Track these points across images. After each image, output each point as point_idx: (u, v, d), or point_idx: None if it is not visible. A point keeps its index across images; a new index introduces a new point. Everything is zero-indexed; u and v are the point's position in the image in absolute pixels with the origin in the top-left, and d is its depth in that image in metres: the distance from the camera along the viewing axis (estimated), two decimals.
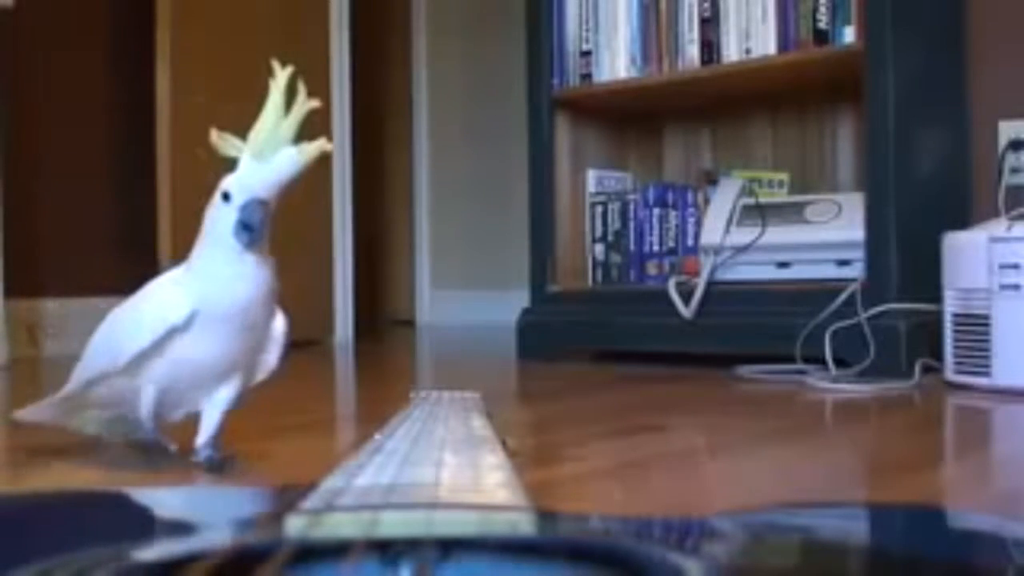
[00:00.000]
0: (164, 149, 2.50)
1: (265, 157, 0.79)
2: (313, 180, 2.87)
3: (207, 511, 0.46)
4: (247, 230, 0.80)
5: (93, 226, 2.59)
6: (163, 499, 0.51)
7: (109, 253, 2.61)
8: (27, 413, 0.96)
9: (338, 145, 2.94)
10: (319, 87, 2.97)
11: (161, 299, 0.85)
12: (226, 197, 0.81)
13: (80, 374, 0.91)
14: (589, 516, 0.44)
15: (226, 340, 0.83)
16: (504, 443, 0.47)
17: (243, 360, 0.86)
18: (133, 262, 2.62)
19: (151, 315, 0.84)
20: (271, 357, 0.89)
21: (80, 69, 2.57)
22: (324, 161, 3.02)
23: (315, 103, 0.81)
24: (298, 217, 2.75)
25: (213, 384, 0.86)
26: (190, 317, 0.82)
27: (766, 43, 1.81)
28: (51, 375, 2.07)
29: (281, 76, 0.81)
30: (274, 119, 0.80)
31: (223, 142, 0.81)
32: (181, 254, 2.96)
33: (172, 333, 0.82)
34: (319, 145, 0.80)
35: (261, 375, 0.90)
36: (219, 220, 0.81)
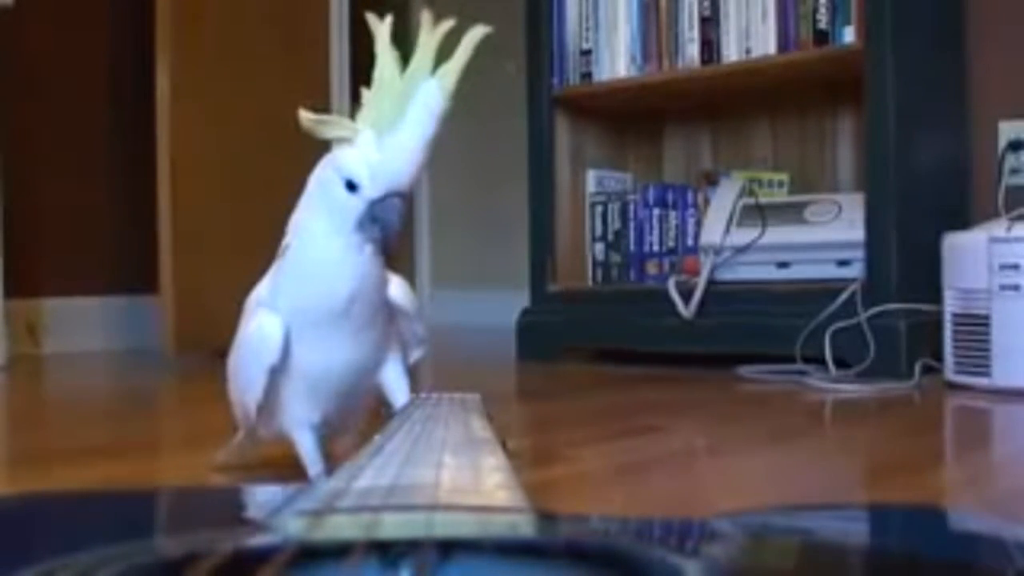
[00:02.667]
0: (164, 148, 2.50)
1: (393, 126, 0.64)
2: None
3: (212, 511, 0.46)
4: (380, 229, 0.66)
5: (93, 225, 2.59)
6: (169, 499, 0.51)
7: (109, 252, 2.61)
8: (222, 456, 0.88)
9: None
10: (319, 86, 2.99)
11: (252, 337, 0.73)
12: (352, 187, 0.66)
13: (237, 419, 0.83)
14: (589, 517, 0.44)
15: (340, 337, 0.72)
16: (504, 444, 0.47)
17: (378, 346, 0.75)
18: (133, 261, 2.62)
19: (249, 362, 0.74)
20: (415, 327, 0.78)
21: (80, 69, 2.57)
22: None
23: (485, 30, 0.65)
24: None
25: (364, 382, 0.76)
26: (286, 340, 0.71)
27: (766, 43, 1.81)
28: (51, 374, 2.07)
29: (381, 28, 0.66)
30: (391, 74, 0.65)
31: (322, 125, 0.67)
32: (181, 253, 2.96)
33: (276, 371, 0.72)
34: (471, 38, 0.65)
35: (416, 351, 0.80)
36: (337, 204, 0.67)
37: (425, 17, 0.66)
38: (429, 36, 0.66)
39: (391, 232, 0.67)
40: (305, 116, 0.67)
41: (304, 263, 0.71)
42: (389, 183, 0.66)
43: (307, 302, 0.71)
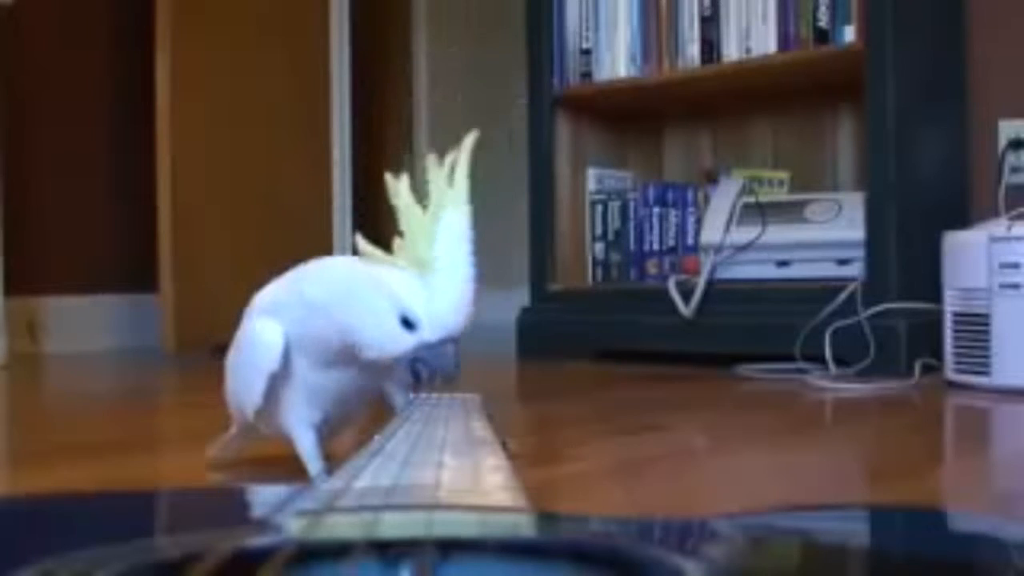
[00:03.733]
0: (164, 147, 2.50)
1: (430, 262, 0.65)
2: (313, 179, 2.87)
3: (211, 511, 0.46)
4: (429, 373, 0.66)
5: (93, 224, 2.59)
6: (169, 499, 0.51)
7: (109, 251, 2.61)
8: (214, 450, 0.88)
9: (338, 143, 2.93)
10: (319, 87, 2.99)
11: (253, 343, 0.74)
12: (408, 324, 0.65)
13: (233, 416, 0.83)
14: (589, 517, 0.44)
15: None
16: (504, 445, 0.47)
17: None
18: (133, 260, 2.62)
19: (249, 367, 0.74)
20: None
21: (80, 68, 2.57)
22: (324, 159, 3.02)
23: (475, 134, 0.68)
24: (298, 216, 2.74)
25: (367, 384, 0.76)
26: (286, 351, 0.72)
27: (766, 42, 1.81)
28: (51, 373, 2.07)
29: (400, 185, 0.68)
30: (417, 219, 0.66)
31: (379, 256, 0.68)
32: (181, 252, 2.95)
33: (275, 377, 0.73)
34: (466, 147, 0.67)
35: None
36: (384, 334, 0.66)
37: (431, 160, 0.67)
38: (438, 173, 0.67)
39: (445, 376, 0.66)
40: (362, 244, 0.68)
41: (316, 328, 0.71)
42: (446, 327, 0.66)
43: (308, 346, 0.73)
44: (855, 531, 0.46)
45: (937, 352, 1.54)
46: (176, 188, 2.49)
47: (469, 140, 0.68)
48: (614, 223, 2.09)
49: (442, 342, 0.66)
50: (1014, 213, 1.47)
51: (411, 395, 0.71)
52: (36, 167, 2.46)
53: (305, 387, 0.74)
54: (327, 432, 0.79)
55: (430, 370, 0.66)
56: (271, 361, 0.72)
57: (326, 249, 2.89)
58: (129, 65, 2.62)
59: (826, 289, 1.68)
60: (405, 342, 0.66)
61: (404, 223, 0.67)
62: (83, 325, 2.54)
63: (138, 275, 2.60)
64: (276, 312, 0.74)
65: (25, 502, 0.50)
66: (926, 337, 1.60)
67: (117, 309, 2.61)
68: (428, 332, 0.65)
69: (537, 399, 1.55)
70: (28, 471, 0.97)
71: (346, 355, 0.71)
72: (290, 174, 2.77)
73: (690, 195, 2.04)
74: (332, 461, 0.77)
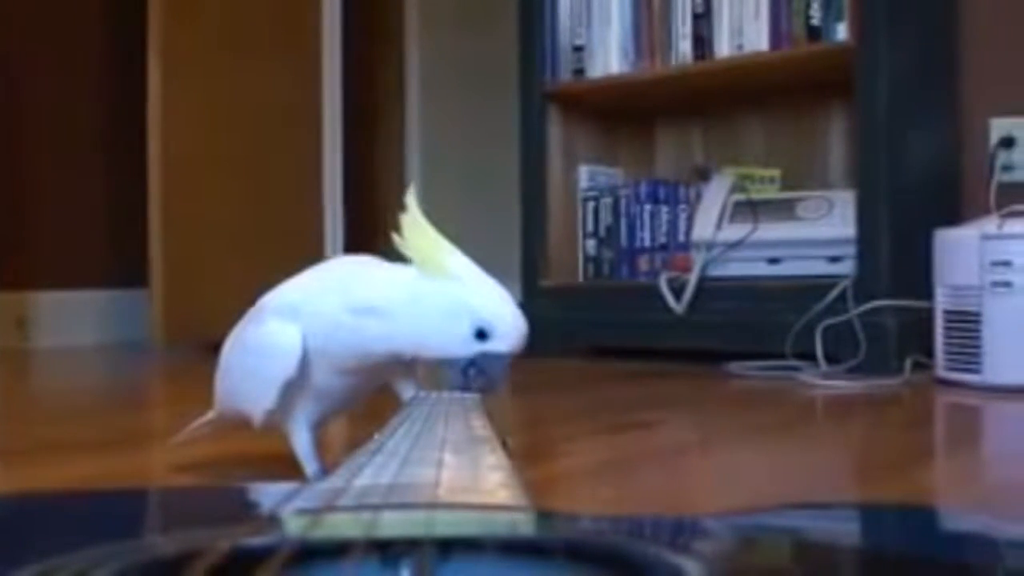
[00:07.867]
0: (155, 141, 2.49)
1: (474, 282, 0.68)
2: (303, 176, 2.86)
3: (211, 510, 0.46)
4: (485, 381, 0.67)
5: (84, 219, 2.58)
6: (168, 497, 0.51)
7: (99, 246, 2.60)
8: (183, 436, 0.86)
9: (329, 140, 2.93)
10: (311, 82, 2.98)
11: (270, 347, 0.71)
12: (482, 335, 0.67)
13: (218, 407, 0.81)
14: (589, 516, 0.44)
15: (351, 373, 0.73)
16: (504, 443, 0.47)
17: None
18: (123, 255, 2.62)
19: (263, 373, 0.72)
20: None
21: (73, 64, 2.56)
22: (314, 155, 3.01)
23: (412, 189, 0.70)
24: (288, 214, 2.74)
25: (371, 386, 0.76)
26: (304, 357, 0.70)
27: (758, 39, 1.81)
28: (40, 368, 2.06)
29: (410, 201, 0.70)
30: (435, 240, 0.70)
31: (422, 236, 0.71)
32: (171, 246, 2.93)
33: (290, 383, 0.71)
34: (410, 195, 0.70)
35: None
36: (450, 341, 0.67)
37: (403, 221, 0.70)
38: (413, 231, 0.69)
39: (491, 384, 0.68)
40: (412, 206, 0.70)
41: (345, 334, 0.70)
42: (514, 342, 0.68)
43: (331, 352, 0.71)
44: (845, 529, 0.46)
45: (928, 350, 1.55)
46: (166, 183, 2.48)
47: (411, 197, 0.71)
48: (606, 220, 2.10)
49: (508, 354, 0.68)
50: (1005, 211, 1.48)
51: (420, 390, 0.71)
52: (26, 163, 2.45)
53: (314, 390, 0.73)
54: (319, 427, 0.78)
55: (479, 374, 0.67)
56: (289, 368, 0.70)
57: (316, 247, 2.88)
58: (122, 60, 2.61)
59: (817, 286, 1.68)
60: (471, 347, 0.67)
61: (420, 242, 0.69)
62: (72, 320, 2.53)
63: (128, 270, 2.60)
64: (295, 315, 0.71)
65: (18, 500, 0.50)
66: (917, 335, 1.60)
67: (106, 304, 2.60)
68: (500, 343, 0.67)
69: (528, 395, 1.55)
70: (17, 467, 0.96)
71: (367, 360, 0.71)
72: (281, 171, 2.76)
73: (682, 192, 2.05)
74: (328, 461, 0.76)
